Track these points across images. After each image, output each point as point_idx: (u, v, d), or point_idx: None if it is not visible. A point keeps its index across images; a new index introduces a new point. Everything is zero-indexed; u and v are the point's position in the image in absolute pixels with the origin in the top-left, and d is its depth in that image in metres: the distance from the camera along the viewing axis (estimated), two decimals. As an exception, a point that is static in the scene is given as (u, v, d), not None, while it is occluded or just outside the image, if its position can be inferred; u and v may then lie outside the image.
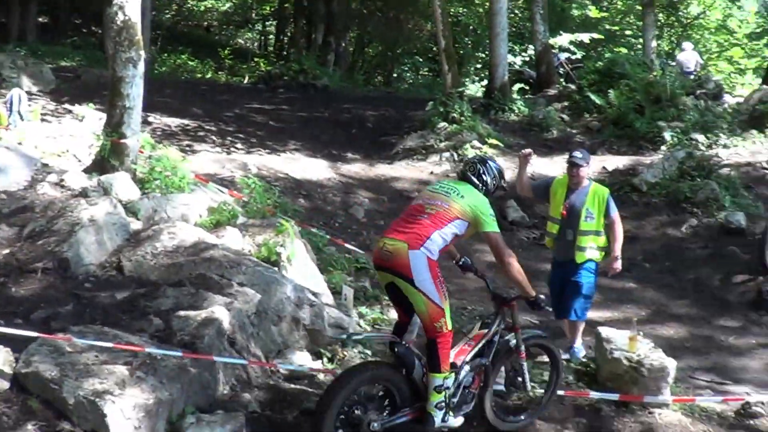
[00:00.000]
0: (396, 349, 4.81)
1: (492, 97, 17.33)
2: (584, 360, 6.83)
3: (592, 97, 16.48)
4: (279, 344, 6.00)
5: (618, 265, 6.89)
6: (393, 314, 6.71)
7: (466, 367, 5.04)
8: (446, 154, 14.07)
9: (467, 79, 27.05)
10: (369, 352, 6.31)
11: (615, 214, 6.84)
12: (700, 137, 14.44)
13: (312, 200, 11.72)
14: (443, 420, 4.85)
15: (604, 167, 13.51)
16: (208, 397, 4.95)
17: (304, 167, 13.12)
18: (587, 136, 15.82)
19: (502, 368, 5.40)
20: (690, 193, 11.73)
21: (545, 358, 5.89)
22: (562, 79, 19.98)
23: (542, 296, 5.11)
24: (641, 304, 9.13)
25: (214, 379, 5.05)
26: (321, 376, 5.74)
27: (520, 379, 5.41)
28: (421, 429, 4.85)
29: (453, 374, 4.90)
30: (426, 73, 31.36)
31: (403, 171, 13.90)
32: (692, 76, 18.09)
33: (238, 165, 12.24)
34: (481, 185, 5.07)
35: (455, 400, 4.97)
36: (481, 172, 5.10)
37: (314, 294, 6.65)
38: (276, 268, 6.73)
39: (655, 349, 6.32)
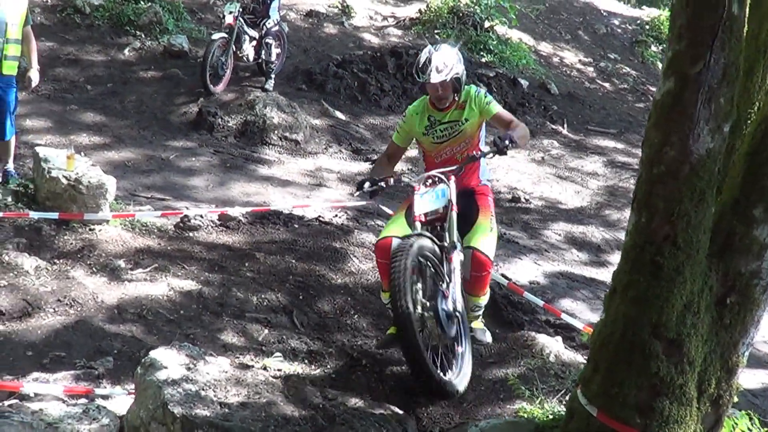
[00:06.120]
0: None
1: None
2: (22, 181, 6.45)
3: None
4: None
5: (37, 77, 6.74)
6: None
7: None
8: None
9: None
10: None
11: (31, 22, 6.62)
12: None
13: None
14: None
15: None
16: None
17: None
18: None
19: None
20: (134, 16, 11.50)
21: None
22: None
23: None
24: (83, 126, 8.85)
25: None
26: None
27: None
28: None
29: None
30: None
31: None
32: None
33: None
34: None
35: None
36: None
37: None
38: None
39: (93, 167, 6.27)
